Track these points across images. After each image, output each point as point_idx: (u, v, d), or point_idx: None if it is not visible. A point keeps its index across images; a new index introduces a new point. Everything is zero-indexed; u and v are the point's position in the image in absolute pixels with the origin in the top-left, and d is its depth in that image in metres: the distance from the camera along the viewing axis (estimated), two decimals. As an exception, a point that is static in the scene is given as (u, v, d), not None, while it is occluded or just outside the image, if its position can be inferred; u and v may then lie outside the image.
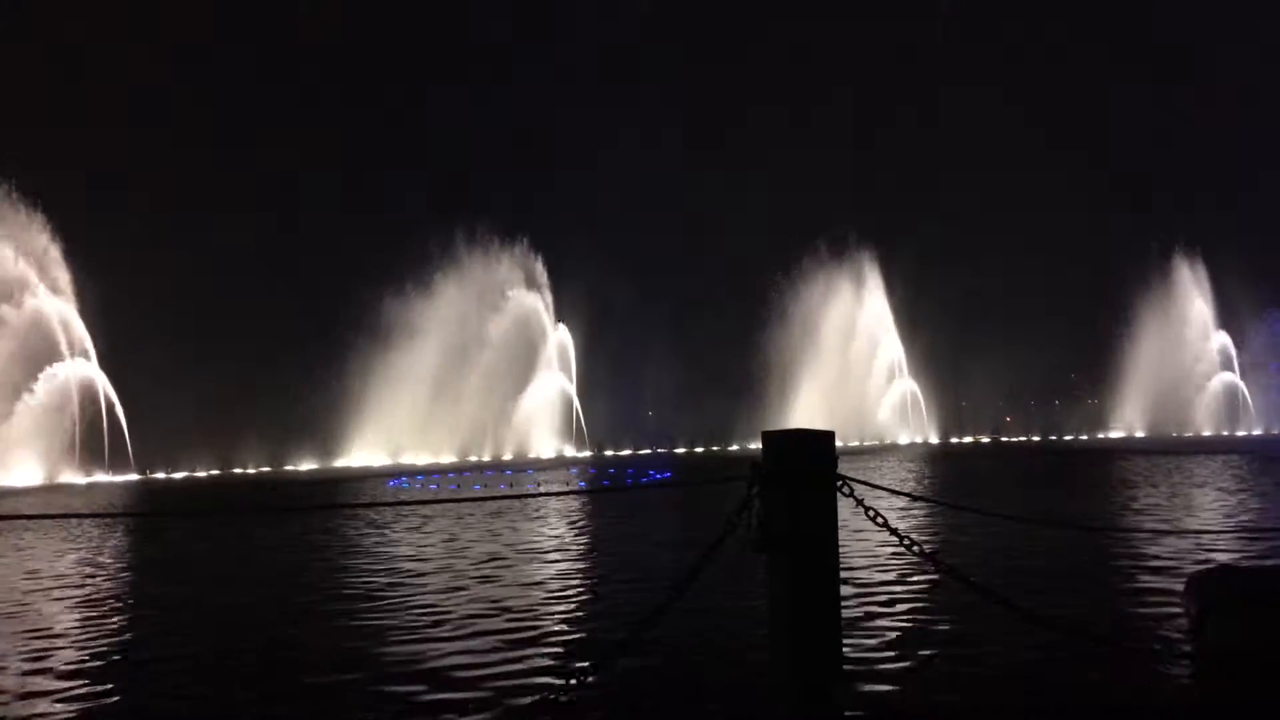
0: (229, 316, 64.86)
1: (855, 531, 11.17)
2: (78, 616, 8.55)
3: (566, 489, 22.67)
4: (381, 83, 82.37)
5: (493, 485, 27.38)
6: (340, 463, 59.66)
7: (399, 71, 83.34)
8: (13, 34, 66.39)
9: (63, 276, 53.17)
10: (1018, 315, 71.56)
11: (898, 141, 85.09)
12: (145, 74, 70.78)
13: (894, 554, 9.83)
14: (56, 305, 52.94)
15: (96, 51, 68.61)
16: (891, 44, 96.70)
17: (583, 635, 6.87)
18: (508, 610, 7.93)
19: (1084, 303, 71.85)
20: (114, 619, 8.43)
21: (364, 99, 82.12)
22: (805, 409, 65.02)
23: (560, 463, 49.20)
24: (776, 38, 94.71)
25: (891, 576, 8.73)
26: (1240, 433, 64.24)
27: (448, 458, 60.16)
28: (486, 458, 60.76)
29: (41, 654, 6.99)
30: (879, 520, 3.60)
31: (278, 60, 78.32)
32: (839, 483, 3.45)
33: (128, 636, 7.68)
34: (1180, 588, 6.28)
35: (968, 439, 70.93)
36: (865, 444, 63.20)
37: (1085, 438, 68.84)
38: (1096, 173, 75.42)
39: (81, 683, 6.08)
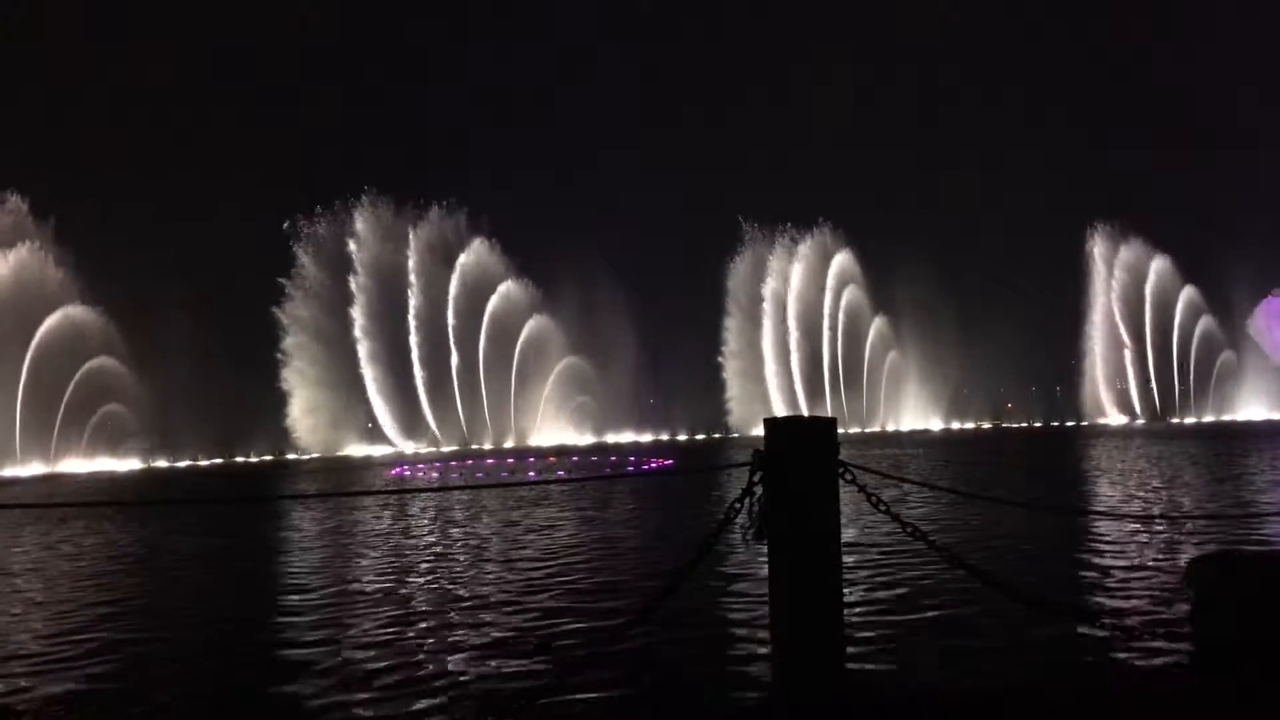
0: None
1: (858, 518, 11.18)
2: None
3: (568, 477, 22.70)
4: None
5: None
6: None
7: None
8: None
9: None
10: (1017, 303, 71.41)
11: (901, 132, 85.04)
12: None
13: (897, 541, 9.83)
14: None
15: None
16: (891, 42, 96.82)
17: (580, 626, 6.85)
18: (499, 607, 7.94)
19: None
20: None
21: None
22: (808, 398, 64.97)
23: (564, 451, 49.20)
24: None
25: (894, 563, 8.73)
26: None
27: (448, 446, 60.18)
28: (488, 446, 60.77)
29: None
30: (882, 507, 3.60)
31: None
32: (841, 469, 3.44)
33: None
34: (1182, 573, 6.27)
35: (969, 425, 70.96)
36: (866, 431, 63.25)
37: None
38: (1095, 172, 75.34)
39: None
